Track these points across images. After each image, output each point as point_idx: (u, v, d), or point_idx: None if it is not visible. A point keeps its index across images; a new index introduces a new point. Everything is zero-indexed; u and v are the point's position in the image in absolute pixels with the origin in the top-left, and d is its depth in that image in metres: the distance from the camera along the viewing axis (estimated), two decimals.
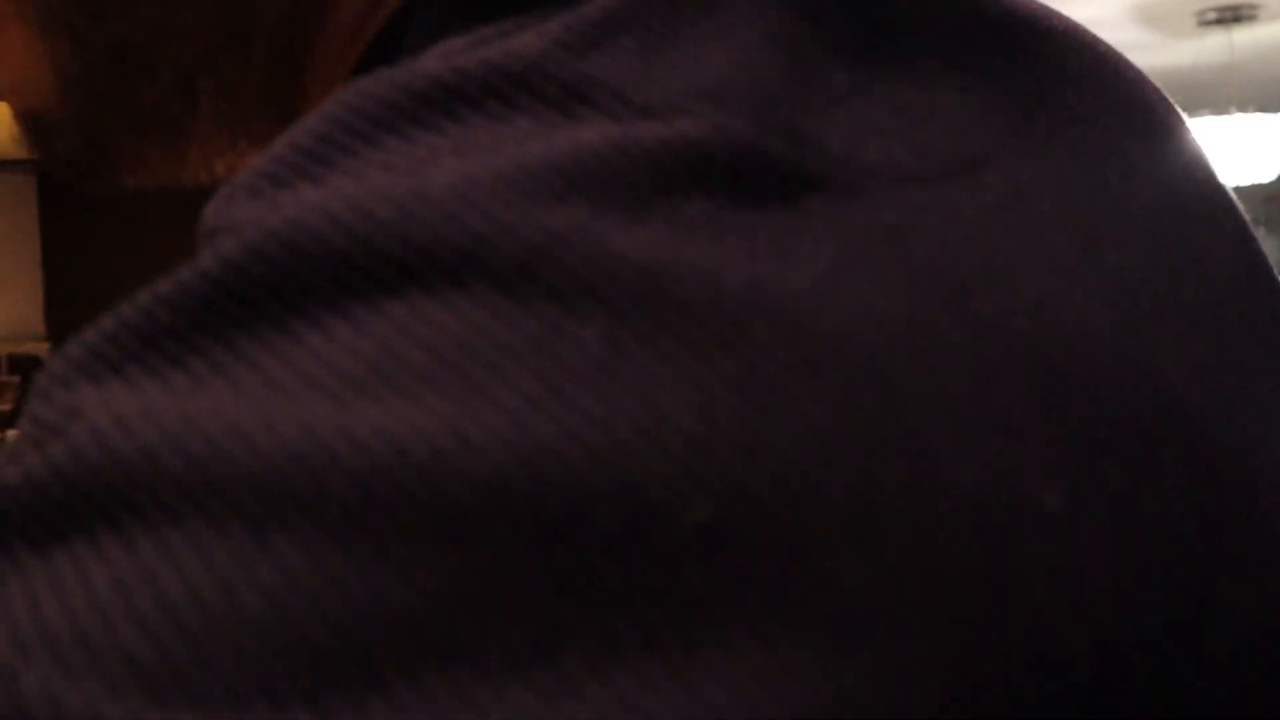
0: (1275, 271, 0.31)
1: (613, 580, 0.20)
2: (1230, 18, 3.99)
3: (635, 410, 0.20)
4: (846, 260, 0.22)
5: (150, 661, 0.20)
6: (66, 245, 1.48)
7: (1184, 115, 0.33)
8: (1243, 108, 4.01)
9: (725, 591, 0.20)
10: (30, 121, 0.40)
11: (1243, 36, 4.17)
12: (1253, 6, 3.94)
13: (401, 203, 0.23)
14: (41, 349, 1.47)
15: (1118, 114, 0.29)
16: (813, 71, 0.25)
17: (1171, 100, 0.33)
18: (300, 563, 0.20)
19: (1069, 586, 0.21)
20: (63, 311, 1.48)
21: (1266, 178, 4.07)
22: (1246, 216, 0.31)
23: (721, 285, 0.22)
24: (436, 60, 0.25)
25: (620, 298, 0.21)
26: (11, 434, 1.36)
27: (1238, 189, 0.33)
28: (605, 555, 0.20)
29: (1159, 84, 0.34)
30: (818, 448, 0.20)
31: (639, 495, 0.20)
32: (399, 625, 0.20)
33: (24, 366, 1.41)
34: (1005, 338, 0.23)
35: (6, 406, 1.42)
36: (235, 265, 0.23)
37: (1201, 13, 3.98)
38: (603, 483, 0.20)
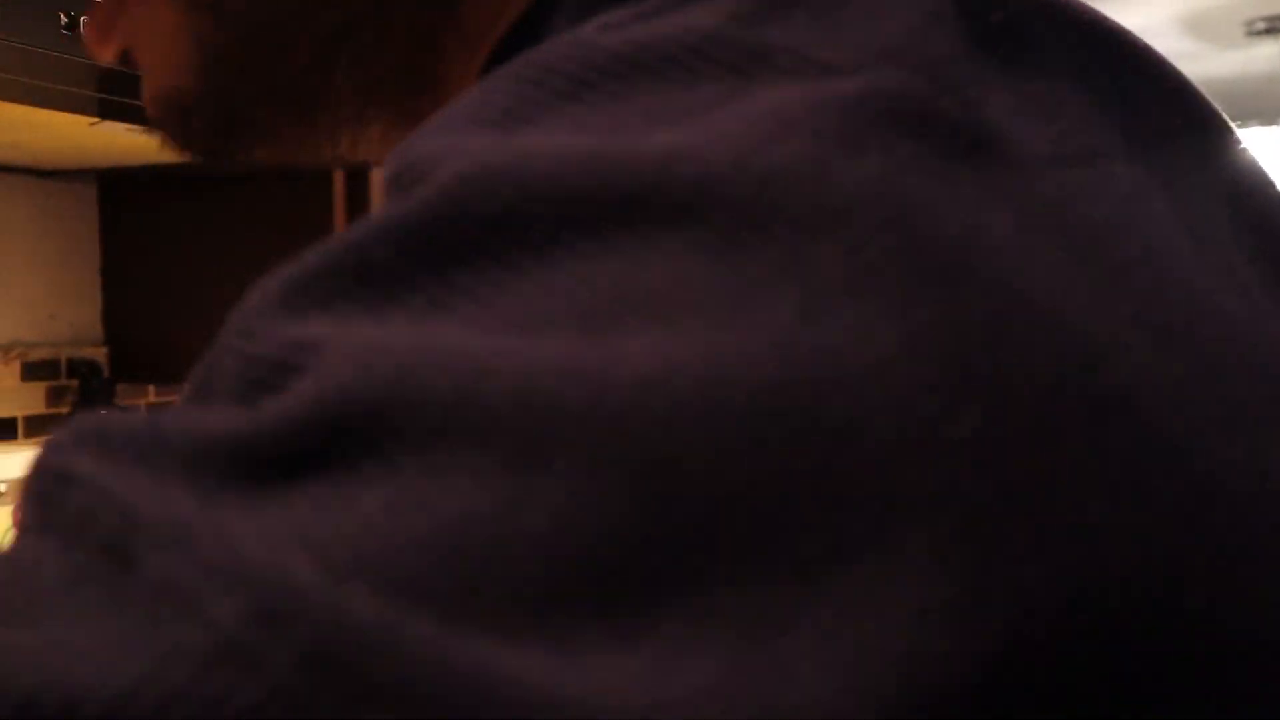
0: None
1: (892, 489, 0.20)
2: (1278, 26, 3.93)
3: (892, 326, 0.21)
4: (1025, 223, 0.24)
5: (431, 581, 0.20)
6: (125, 252, 1.50)
7: (1234, 126, 0.34)
8: None
9: (996, 497, 0.21)
10: (167, 101, 0.41)
11: None
12: None
13: (622, 148, 0.23)
14: (99, 354, 1.49)
15: (1196, 134, 0.31)
16: (967, 50, 0.26)
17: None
18: (581, 483, 0.20)
19: (1268, 556, 0.23)
20: (121, 317, 1.50)
21: None
22: None
23: (943, 221, 0.23)
24: (602, 33, 0.26)
25: (854, 221, 0.22)
26: None
27: None
28: (885, 465, 0.20)
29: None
30: (1055, 382, 0.22)
31: (909, 406, 0.21)
32: (686, 539, 0.20)
33: (82, 371, 1.43)
34: (1166, 316, 0.24)
35: (65, 409, 1.44)
36: (455, 200, 0.24)
37: (1250, 22, 3.93)
38: (874, 395, 0.21)
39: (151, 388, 1.57)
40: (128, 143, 1.17)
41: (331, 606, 0.19)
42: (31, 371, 1.43)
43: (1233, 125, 0.34)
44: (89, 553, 0.21)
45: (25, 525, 0.24)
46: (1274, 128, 3.89)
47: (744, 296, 0.22)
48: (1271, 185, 0.32)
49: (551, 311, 0.22)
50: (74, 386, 1.44)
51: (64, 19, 0.83)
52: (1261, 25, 3.98)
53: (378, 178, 1.39)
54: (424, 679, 0.19)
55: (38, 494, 0.23)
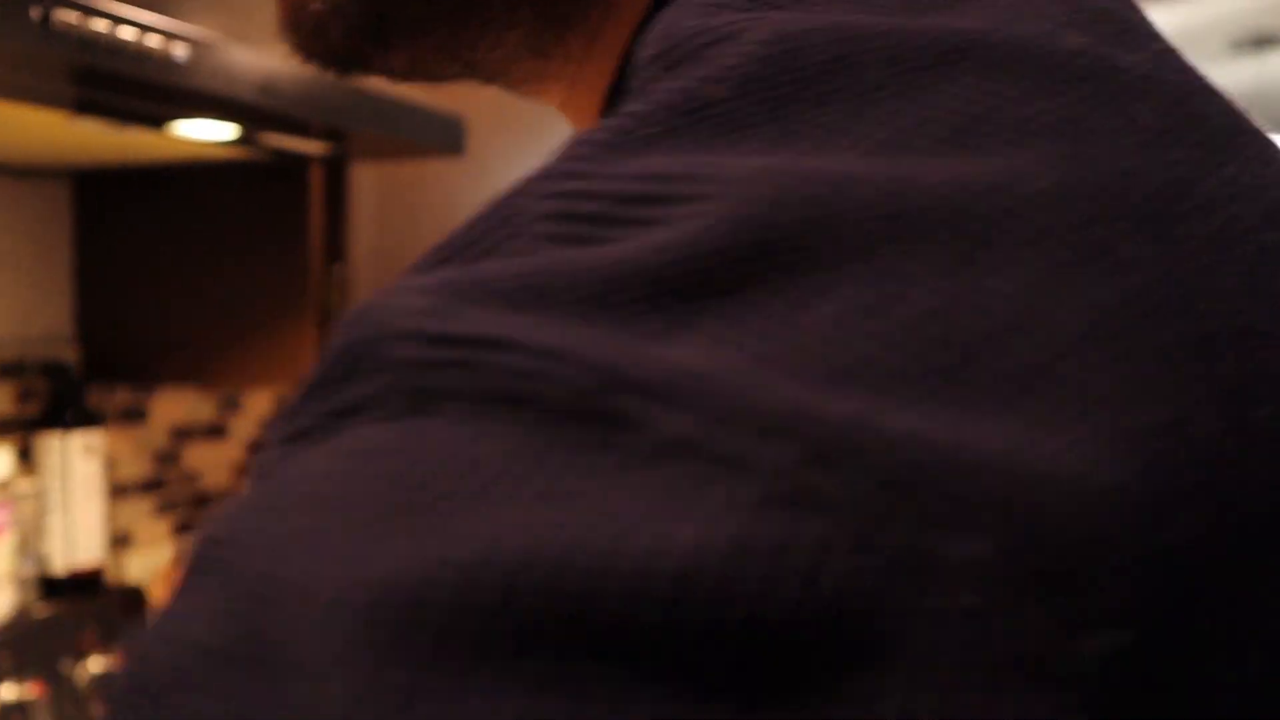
0: None
1: None
2: (1262, 41, 3.96)
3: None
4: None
5: (927, 381, 0.21)
6: (99, 253, 1.48)
7: None
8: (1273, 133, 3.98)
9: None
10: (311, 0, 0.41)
11: (1276, 62, 4.14)
12: None
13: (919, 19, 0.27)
14: (71, 355, 1.47)
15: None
16: None
17: None
18: (1029, 275, 0.22)
19: None
20: (93, 318, 1.48)
21: None
22: None
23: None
24: None
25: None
26: (40, 435, 1.36)
27: None
28: None
29: None
30: None
31: None
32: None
33: (53, 371, 1.41)
34: None
35: (33, 411, 1.42)
36: (788, 49, 0.25)
37: (1233, 36, 3.95)
38: None
39: (123, 389, 1.55)
40: (103, 141, 1.16)
41: (876, 429, 0.20)
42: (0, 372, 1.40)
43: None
44: (546, 418, 0.20)
45: (385, 400, 0.22)
46: None
47: (1084, 135, 0.25)
48: None
49: (905, 138, 0.24)
50: (43, 387, 1.42)
51: (37, 12, 0.82)
52: (1244, 40, 3.99)
53: (356, 176, 1.37)
54: (979, 476, 0.19)
55: (406, 363, 0.22)
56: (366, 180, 1.40)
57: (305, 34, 0.41)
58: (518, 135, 1.72)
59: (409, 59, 0.41)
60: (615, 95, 0.37)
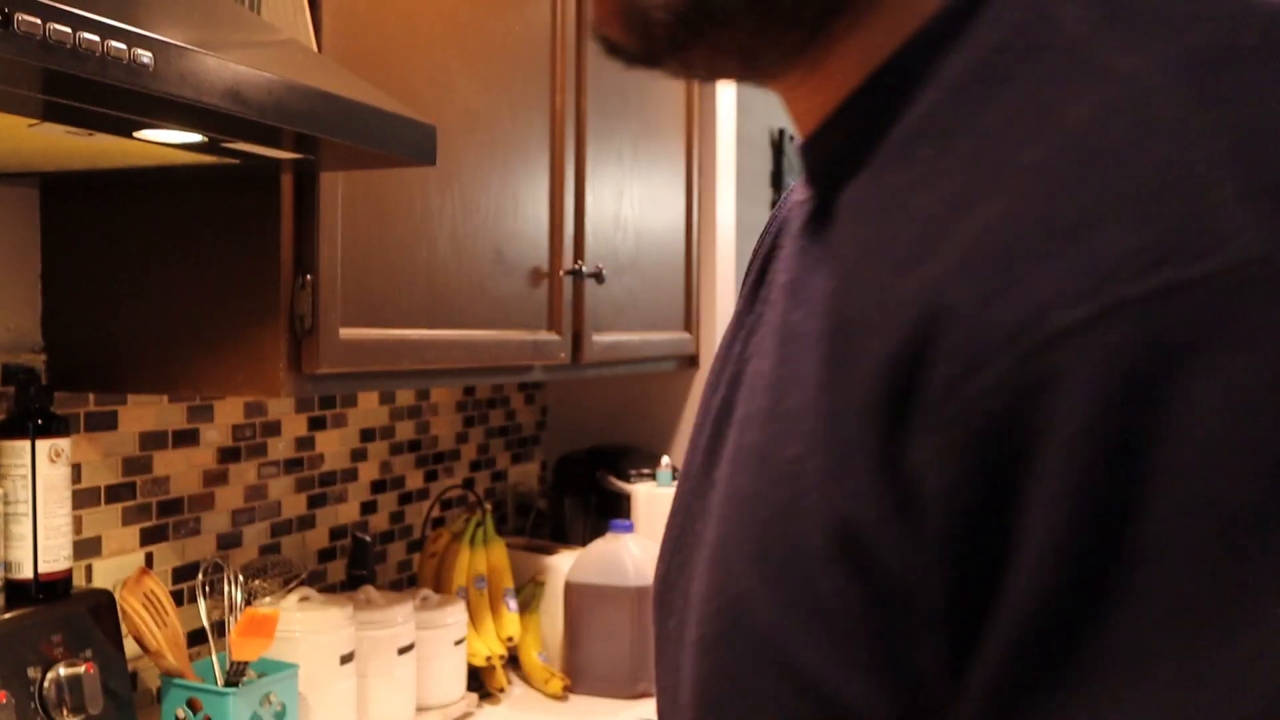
0: None
1: None
2: None
3: None
4: None
5: None
6: (67, 258, 1.47)
7: None
8: None
9: None
10: None
11: None
12: None
13: None
14: (38, 360, 1.47)
15: None
16: None
17: None
18: None
19: None
20: (61, 324, 1.48)
21: None
22: None
23: None
24: None
25: None
26: (7, 441, 1.36)
27: None
28: None
29: None
30: None
31: None
32: None
33: (19, 377, 1.40)
34: None
35: (1, 417, 1.41)
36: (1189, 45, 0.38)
37: None
38: None
39: (91, 395, 1.54)
40: (69, 147, 1.16)
41: None
42: None
43: None
44: None
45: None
46: None
47: None
48: None
49: None
50: (10, 394, 1.41)
51: (0, 16, 0.82)
52: None
53: (326, 184, 1.37)
54: None
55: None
56: (337, 188, 1.40)
57: (632, 20, 0.43)
58: (488, 144, 1.73)
59: (710, 51, 0.44)
60: (914, 56, 0.42)
